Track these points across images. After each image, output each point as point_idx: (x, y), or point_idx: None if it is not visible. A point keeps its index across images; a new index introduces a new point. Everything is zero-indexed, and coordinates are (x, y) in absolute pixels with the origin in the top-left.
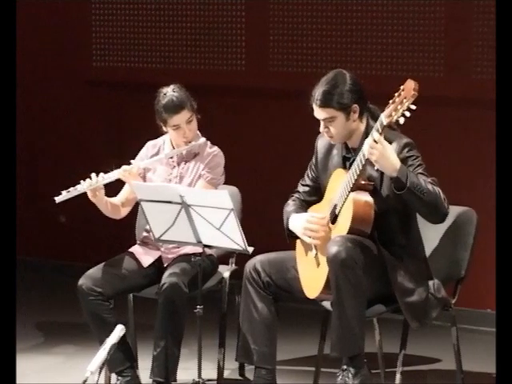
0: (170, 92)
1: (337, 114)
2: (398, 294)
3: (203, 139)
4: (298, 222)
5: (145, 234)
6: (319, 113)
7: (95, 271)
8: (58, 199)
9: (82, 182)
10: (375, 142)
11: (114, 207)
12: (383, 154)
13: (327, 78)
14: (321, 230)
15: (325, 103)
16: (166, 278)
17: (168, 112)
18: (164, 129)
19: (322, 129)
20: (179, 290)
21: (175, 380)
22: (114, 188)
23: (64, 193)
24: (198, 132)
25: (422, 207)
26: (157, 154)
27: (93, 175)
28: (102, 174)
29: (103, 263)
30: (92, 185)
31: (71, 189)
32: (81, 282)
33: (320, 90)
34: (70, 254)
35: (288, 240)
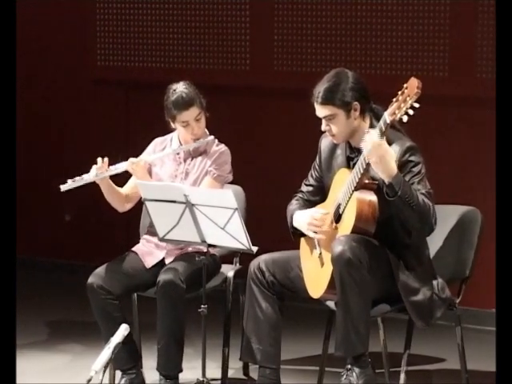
0: (179, 88)
1: (337, 112)
2: (403, 294)
3: (211, 137)
4: (302, 217)
5: (147, 232)
6: (320, 110)
7: (104, 270)
8: (63, 187)
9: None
10: (378, 143)
11: (120, 196)
12: (383, 157)
13: (329, 76)
14: (325, 225)
15: (325, 100)
16: (161, 276)
17: (177, 108)
18: (172, 125)
19: (323, 127)
20: (175, 286)
21: (181, 371)
22: (120, 180)
23: (69, 181)
24: (206, 130)
25: (409, 217)
26: (163, 150)
27: (99, 159)
28: (106, 160)
29: (111, 262)
30: (98, 175)
31: (77, 178)
32: (91, 280)
33: (321, 88)
34: (73, 253)
35: (293, 238)
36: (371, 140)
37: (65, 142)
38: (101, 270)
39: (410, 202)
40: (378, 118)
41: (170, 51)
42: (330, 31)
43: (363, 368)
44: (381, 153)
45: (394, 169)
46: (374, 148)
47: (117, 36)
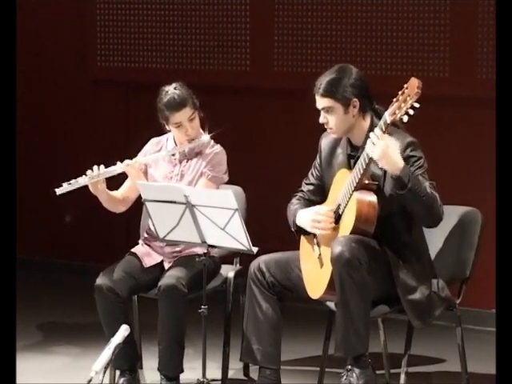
0: (171, 90)
1: (335, 105)
2: (401, 292)
3: (207, 137)
4: (306, 215)
5: (146, 235)
6: (319, 101)
7: (112, 272)
8: (58, 191)
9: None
10: (379, 136)
11: (115, 200)
12: (385, 152)
13: (333, 70)
14: (329, 221)
15: (326, 92)
16: (164, 280)
17: (169, 110)
18: (166, 127)
19: (321, 119)
20: (177, 290)
21: (182, 371)
22: (115, 182)
23: (65, 185)
24: (202, 130)
25: (420, 209)
26: (159, 150)
27: (94, 167)
28: (102, 167)
29: (117, 264)
30: (93, 178)
31: (72, 181)
32: (100, 281)
33: (323, 80)
34: (72, 253)
35: (296, 236)
36: (372, 135)
37: (65, 142)
38: (109, 271)
39: (420, 192)
40: (379, 117)
41: (169, 51)
42: (330, 31)
43: (363, 368)
44: (383, 146)
45: (400, 161)
46: (375, 142)
47: (117, 36)
